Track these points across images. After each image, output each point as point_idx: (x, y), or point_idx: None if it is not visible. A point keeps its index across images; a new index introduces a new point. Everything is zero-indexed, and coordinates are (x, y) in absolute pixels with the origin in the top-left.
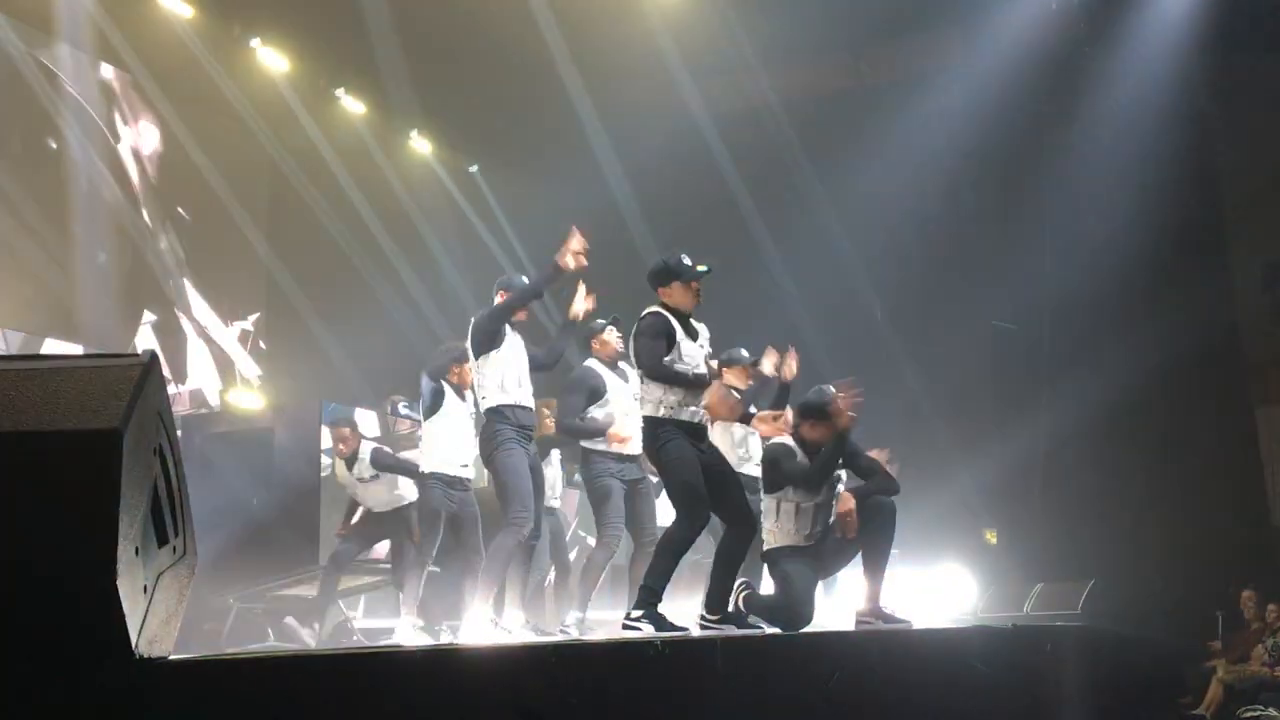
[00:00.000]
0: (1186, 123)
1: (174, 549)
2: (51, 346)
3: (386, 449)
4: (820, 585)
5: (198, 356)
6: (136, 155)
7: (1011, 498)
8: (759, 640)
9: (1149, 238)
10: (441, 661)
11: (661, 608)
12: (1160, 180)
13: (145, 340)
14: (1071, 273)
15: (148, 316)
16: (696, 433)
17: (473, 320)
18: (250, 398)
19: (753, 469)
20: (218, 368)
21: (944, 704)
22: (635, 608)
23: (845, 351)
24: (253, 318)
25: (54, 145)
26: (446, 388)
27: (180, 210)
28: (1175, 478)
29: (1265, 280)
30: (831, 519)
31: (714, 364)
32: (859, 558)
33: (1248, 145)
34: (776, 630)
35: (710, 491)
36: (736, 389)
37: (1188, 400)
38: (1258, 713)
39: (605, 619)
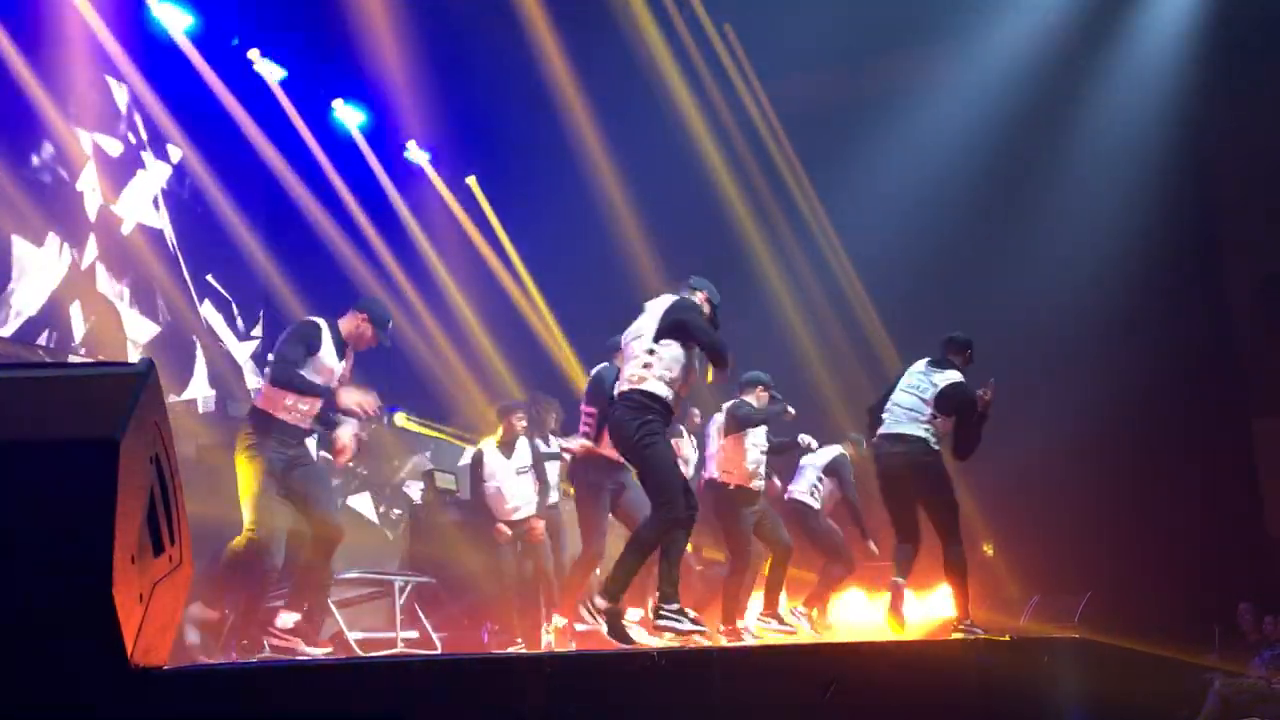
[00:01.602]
0: (1182, 135)
1: (170, 558)
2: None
3: None
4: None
5: (198, 367)
6: (147, 167)
7: (1008, 510)
8: (756, 651)
9: (1145, 248)
10: (439, 671)
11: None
12: (1156, 191)
13: (149, 351)
14: (1067, 284)
15: (152, 329)
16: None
17: None
18: (248, 408)
19: None
20: (222, 377)
21: (942, 715)
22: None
23: (840, 361)
24: (255, 329)
25: (68, 161)
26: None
27: (184, 223)
28: (1172, 490)
29: (1261, 291)
30: None
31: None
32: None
33: (1243, 157)
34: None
35: None
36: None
37: (1184, 412)
38: None
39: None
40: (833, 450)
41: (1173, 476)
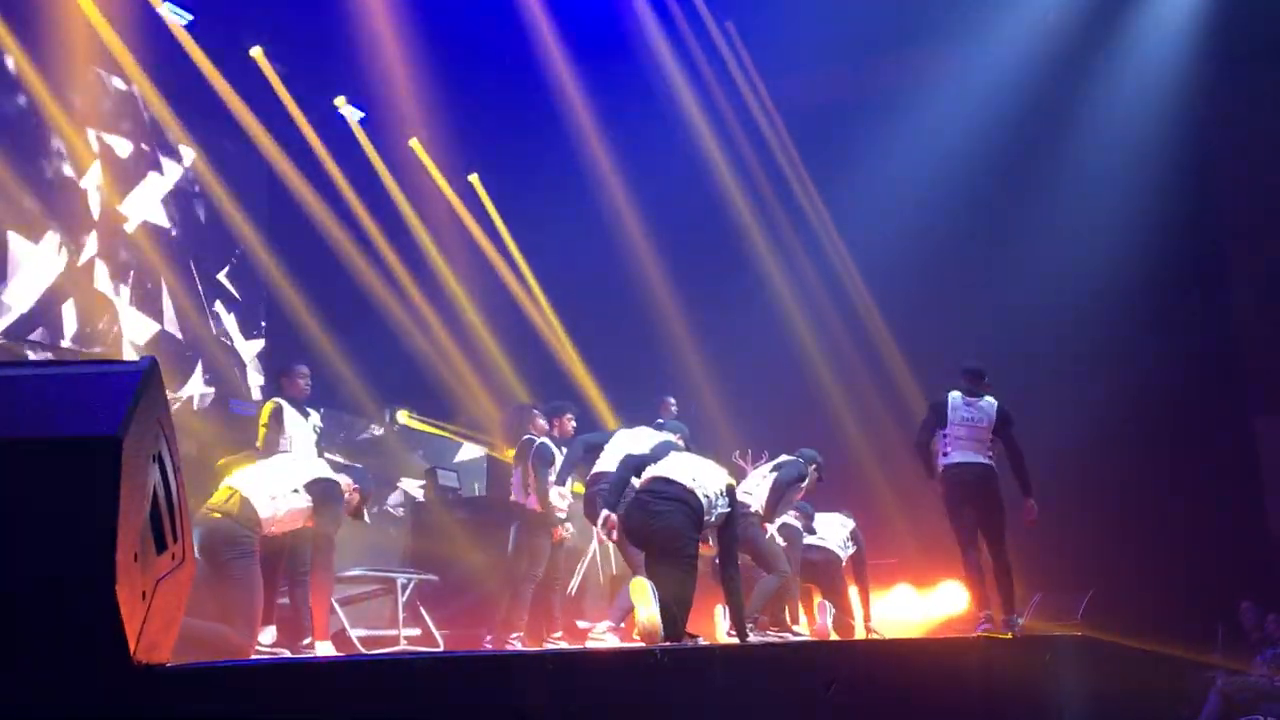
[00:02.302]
0: (1185, 133)
1: (173, 556)
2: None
3: None
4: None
5: (197, 366)
6: (156, 167)
7: (1011, 508)
8: (758, 649)
9: (1147, 247)
10: (442, 669)
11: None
12: (1159, 190)
13: (148, 349)
14: (1069, 282)
15: (153, 327)
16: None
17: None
18: (250, 405)
19: None
20: (225, 376)
21: (944, 713)
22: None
23: (843, 362)
24: (261, 328)
25: (73, 159)
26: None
27: (194, 223)
28: (1174, 488)
29: (1265, 290)
30: None
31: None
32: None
33: (1247, 155)
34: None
35: None
36: None
37: (1186, 410)
38: None
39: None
40: (848, 521)
41: (1175, 474)
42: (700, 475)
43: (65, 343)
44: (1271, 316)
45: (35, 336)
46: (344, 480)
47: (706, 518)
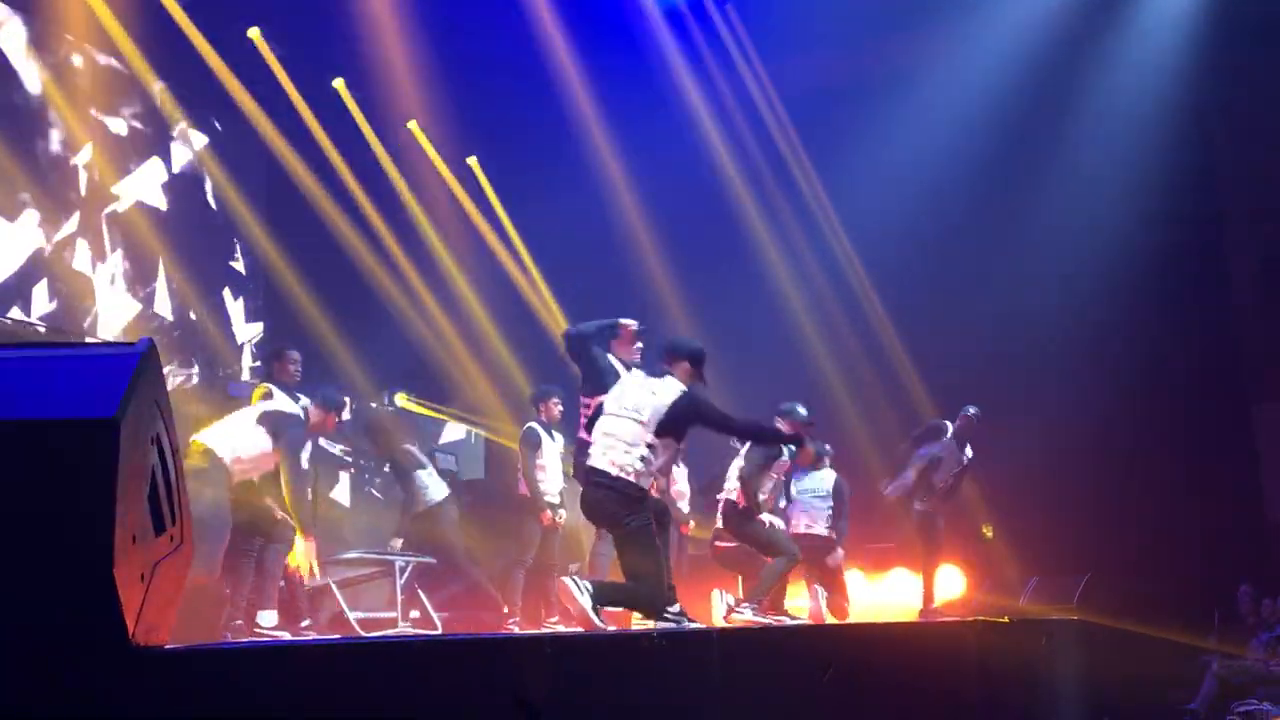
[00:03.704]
0: (1184, 118)
1: (171, 538)
2: None
3: None
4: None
5: (183, 346)
6: (157, 150)
7: (1007, 491)
8: (756, 633)
9: (1147, 233)
10: (439, 651)
11: None
12: (1158, 175)
13: (134, 331)
14: (1068, 267)
15: (135, 307)
16: None
17: None
18: (245, 387)
19: None
20: (220, 360)
21: (940, 697)
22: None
23: (842, 349)
24: (257, 310)
25: (64, 138)
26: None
27: (198, 208)
28: (1172, 472)
29: (1262, 276)
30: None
31: None
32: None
33: (1246, 141)
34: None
35: None
36: None
37: (1184, 395)
38: (1253, 707)
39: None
40: (828, 475)
41: (1173, 459)
42: (614, 447)
43: (35, 320)
44: (1271, 303)
45: (10, 314)
46: (301, 405)
47: (645, 466)
